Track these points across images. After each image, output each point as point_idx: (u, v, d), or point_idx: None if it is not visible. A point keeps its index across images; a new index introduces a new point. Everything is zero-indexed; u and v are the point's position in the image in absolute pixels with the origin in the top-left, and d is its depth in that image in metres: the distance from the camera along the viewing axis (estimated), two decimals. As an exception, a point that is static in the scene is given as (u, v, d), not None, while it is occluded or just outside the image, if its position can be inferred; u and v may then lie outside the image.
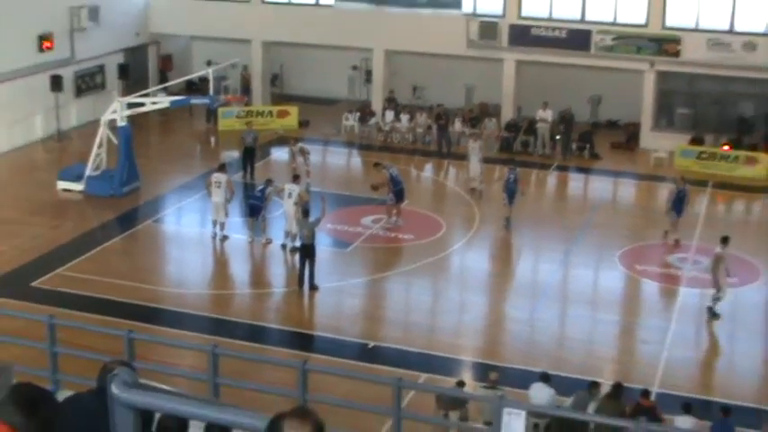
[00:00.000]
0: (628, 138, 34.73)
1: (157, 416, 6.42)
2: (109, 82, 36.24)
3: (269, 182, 25.35)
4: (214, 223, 25.29)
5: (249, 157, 29.84)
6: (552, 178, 32.20)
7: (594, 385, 16.56)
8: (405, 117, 35.15)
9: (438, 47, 35.22)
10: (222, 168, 25.93)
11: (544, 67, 34.51)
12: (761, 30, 32.31)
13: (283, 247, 24.45)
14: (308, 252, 22.15)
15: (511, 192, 26.51)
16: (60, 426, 4.00)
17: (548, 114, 33.50)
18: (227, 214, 25.13)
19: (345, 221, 26.52)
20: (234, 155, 30.89)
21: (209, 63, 32.57)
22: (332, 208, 26.11)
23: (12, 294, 21.29)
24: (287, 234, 24.49)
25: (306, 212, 22.99)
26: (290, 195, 24.45)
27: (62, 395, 4.72)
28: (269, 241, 24.92)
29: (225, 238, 25.19)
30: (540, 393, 16.32)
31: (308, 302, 22.02)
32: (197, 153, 32.89)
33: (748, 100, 34.34)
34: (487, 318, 21.96)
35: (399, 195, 26.39)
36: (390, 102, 36.23)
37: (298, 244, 23.47)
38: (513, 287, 23.81)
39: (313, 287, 22.16)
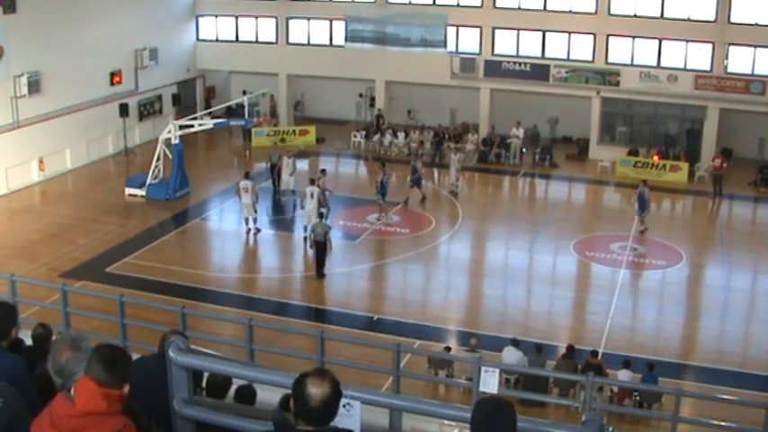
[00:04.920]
0: (579, 150, 34.65)
1: (206, 375, 6.44)
2: (165, 108, 36.22)
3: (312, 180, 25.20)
4: (246, 221, 25.23)
5: (275, 172, 29.06)
6: (520, 183, 32.14)
7: (538, 347, 16.64)
8: (401, 134, 35.15)
9: (428, 78, 35.18)
10: (247, 176, 25.71)
11: (512, 93, 34.42)
12: (681, 65, 32.36)
13: (305, 239, 24.20)
14: (320, 247, 21.96)
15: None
16: (132, 380, 4.02)
17: (520, 132, 33.49)
18: (256, 211, 25.03)
19: (354, 219, 26.49)
20: (262, 165, 30.85)
21: (244, 92, 32.45)
22: (342, 208, 26.16)
23: (90, 278, 21.34)
24: (306, 228, 24.20)
25: (321, 215, 22.79)
26: (311, 195, 24.31)
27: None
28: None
29: (258, 230, 25.15)
30: (511, 355, 16.33)
31: (323, 284, 21.92)
32: (235, 165, 32.82)
33: (672, 120, 34.25)
34: (468, 295, 21.97)
35: (383, 197, 26.68)
36: (379, 119, 36.54)
37: (308, 232, 23.15)
38: (489, 270, 23.78)
39: (321, 275, 21.95)
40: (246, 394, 7.09)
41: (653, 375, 15.79)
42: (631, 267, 23.17)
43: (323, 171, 27.05)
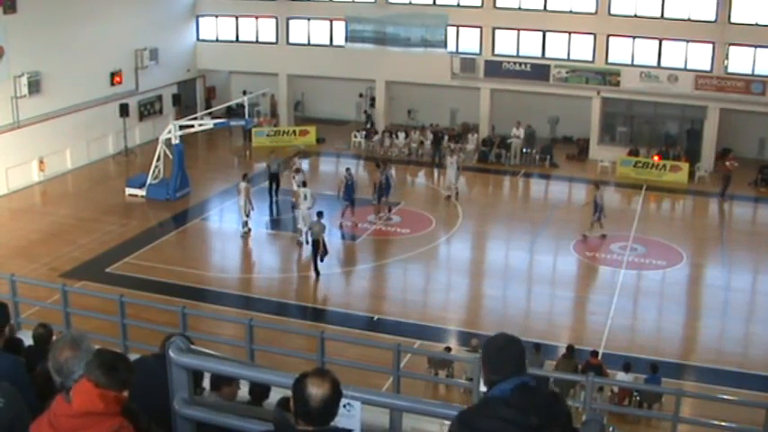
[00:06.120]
0: (579, 150, 34.65)
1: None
2: (165, 108, 36.23)
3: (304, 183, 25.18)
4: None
5: (274, 180, 28.14)
6: (520, 183, 32.13)
7: (537, 346, 16.63)
8: (401, 135, 35.17)
9: (428, 78, 35.18)
10: (243, 178, 25.57)
11: (513, 94, 34.44)
12: (681, 65, 32.37)
13: (299, 243, 24.17)
14: (318, 245, 21.95)
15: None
16: (133, 383, 4.04)
17: (520, 132, 33.53)
18: (247, 214, 24.86)
19: (354, 219, 26.45)
20: (262, 166, 30.78)
21: (244, 92, 32.48)
22: (343, 208, 26.13)
23: (90, 278, 21.35)
24: (301, 232, 24.13)
25: (320, 214, 22.75)
26: (305, 198, 24.26)
27: (130, 358, 4.73)
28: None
29: (246, 232, 24.91)
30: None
31: (323, 284, 21.94)
32: (235, 165, 32.82)
33: (673, 120, 34.25)
34: (469, 295, 21.97)
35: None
36: (367, 117, 37.02)
37: (307, 238, 23.15)
38: (489, 270, 23.77)
39: (316, 272, 21.91)
40: (259, 390, 7.15)
41: (656, 377, 15.74)
42: (631, 268, 23.15)
43: (347, 169, 26.94)
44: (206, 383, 6.33)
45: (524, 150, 33.50)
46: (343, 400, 3.82)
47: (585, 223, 26.65)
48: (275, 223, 26.92)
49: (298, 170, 27.35)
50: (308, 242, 22.81)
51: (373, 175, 28.41)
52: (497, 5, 34.32)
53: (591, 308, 20.99)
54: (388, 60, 35.69)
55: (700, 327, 20.07)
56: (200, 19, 38.55)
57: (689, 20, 31.93)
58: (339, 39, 36.49)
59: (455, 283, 22.76)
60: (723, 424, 13.39)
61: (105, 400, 3.84)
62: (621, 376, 15.67)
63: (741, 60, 31.64)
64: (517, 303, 21.55)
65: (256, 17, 37.82)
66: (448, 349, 17.03)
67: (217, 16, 38.39)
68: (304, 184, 24.88)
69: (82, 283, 20.64)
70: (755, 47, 31.21)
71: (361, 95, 39.21)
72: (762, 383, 16.70)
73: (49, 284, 18.17)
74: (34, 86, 28.76)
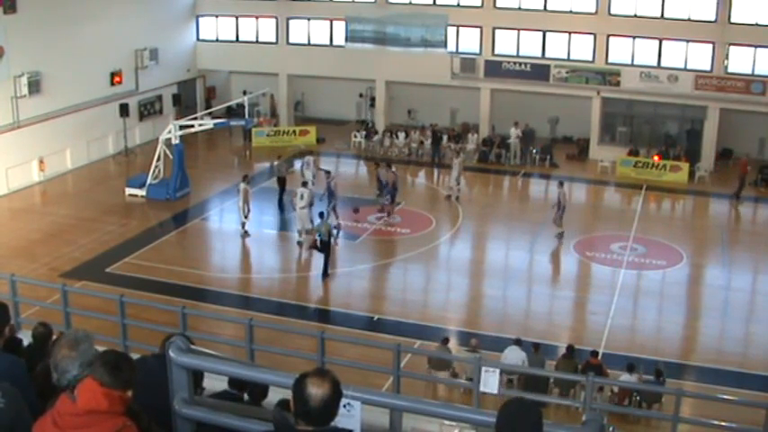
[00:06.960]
0: (579, 150, 34.67)
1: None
2: (165, 108, 36.24)
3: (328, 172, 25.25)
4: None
5: (282, 184, 27.98)
6: (520, 183, 32.12)
7: (536, 346, 16.62)
8: (401, 135, 35.18)
9: (428, 78, 35.20)
10: (244, 179, 25.48)
11: (513, 94, 34.45)
12: (681, 65, 32.39)
13: (299, 243, 24.19)
14: (324, 246, 21.99)
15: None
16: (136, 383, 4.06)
17: (518, 131, 33.53)
18: (245, 215, 24.83)
19: (354, 218, 26.43)
20: (262, 166, 30.74)
21: (244, 92, 32.46)
22: (343, 208, 26.11)
23: (90, 278, 21.33)
24: (300, 232, 24.21)
25: (322, 215, 22.68)
26: (301, 197, 24.20)
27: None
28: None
29: (245, 233, 24.83)
30: (514, 355, 16.28)
31: (324, 284, 21.94)
32: (235, 165, 32.83)
33: (673, 120, 34.28)
34: (469, 295, 21.95)
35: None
36: (362, 123, 37.20)
37: (303, 238, 23.31)
38: (489, 270, 23.75)
39: (326, 274, 21.95)
40: (258, 391, 7.15)
41: (659, 384, 15.64)
42: (632, 268, 23.14)
43: (328, 172, 26.78)
44: (212, 384, 6.34)
45: (523, 150, 33.46)
46: (343, 400, 3.82)
47: (581, 223, 26.69)
48: (275, 223, 26.89)
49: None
50: (318, 241, 22.62)
51: (389, 175, 27.61)
52: (497, 5, 34.33)
53: (591, 308, 20.98)
54: (388, 60, 35.70)
55: (700, 327, 20.06)
56: (200, 19, 38.57)
57: (689, 20, 31.96)
58: (339, 39, 36.50)
59: (455, 282, 22.75)
60: (723, 424, 13.40)
61: (109, 399, 3.87)
62: (626, 377, 15.63)
63: (741, 60, 31.68)
64: (517, 303, 21.54)
65: (256, 17, 37.84)
66: (446, 340, 16.92)
67: (217, 16, 38.41)
68: (303, 185, 24.85)
69: (82, 283, 20.63)
70: (755, 47, 31.24)
71: (361, 95, 39.21)
72: (762, 383, 16.70)
73: (49, 284, 18.17)
74: (34, 86, 28.76)
